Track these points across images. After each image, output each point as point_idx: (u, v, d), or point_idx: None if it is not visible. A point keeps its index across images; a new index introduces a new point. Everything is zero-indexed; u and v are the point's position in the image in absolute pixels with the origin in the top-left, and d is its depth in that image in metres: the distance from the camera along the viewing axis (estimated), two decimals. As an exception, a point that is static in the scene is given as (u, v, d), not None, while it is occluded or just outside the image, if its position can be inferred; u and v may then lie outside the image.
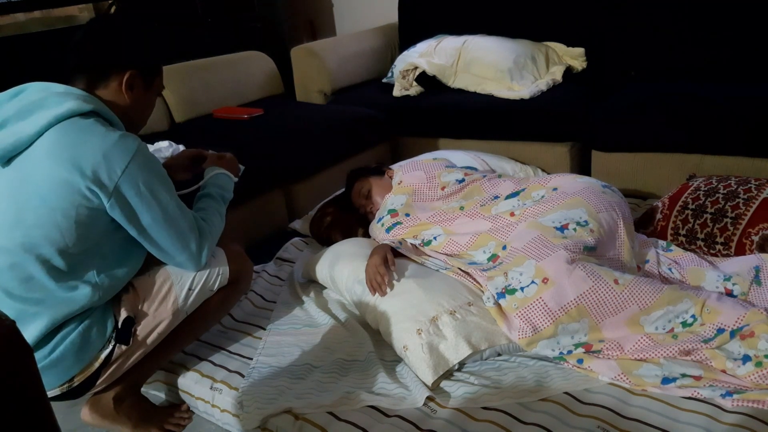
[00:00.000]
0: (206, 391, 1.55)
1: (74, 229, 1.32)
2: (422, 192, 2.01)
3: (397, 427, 1.34)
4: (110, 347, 1.43)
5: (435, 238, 1.85)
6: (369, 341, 1.65)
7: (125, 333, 1.44)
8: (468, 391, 1.42)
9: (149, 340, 1.48)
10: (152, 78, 1.50)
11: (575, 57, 3.04)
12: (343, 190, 2.28)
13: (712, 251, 1.80)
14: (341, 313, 1.80)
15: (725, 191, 1.85)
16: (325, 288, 1.94)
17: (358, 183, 2.16)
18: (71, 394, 1.44)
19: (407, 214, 1.94)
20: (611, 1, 2.94)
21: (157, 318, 1.48)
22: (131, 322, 1.45)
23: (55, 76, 1.44)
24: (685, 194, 1.92)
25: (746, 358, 1.34)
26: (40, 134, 1.31)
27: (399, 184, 2.08)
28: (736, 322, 1.40)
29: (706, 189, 1.90)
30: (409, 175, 2.08)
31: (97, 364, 1.42)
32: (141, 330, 1.47)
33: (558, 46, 3.08)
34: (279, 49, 3.72)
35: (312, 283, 1.99)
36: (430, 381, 1.45)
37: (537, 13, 3.15)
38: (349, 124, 2.79)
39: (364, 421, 1.36)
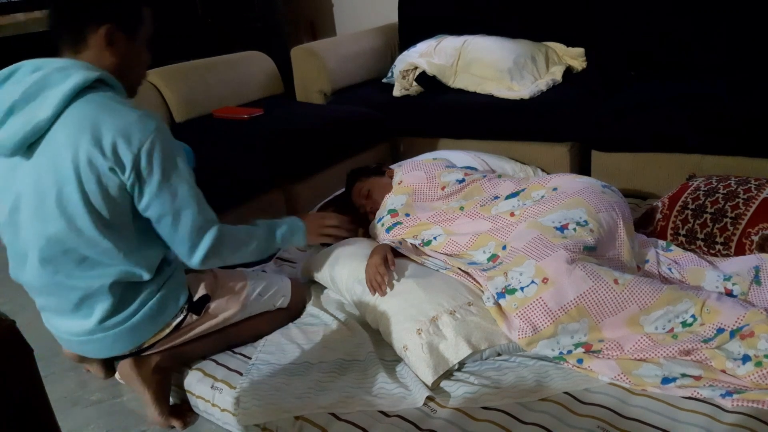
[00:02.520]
0: (207, 390, 1.55)
1: (110, 209, 1.33)
2: (422, 192, 2.01)
3: (397, 427, 1.34)
4: (182, 316, 1.53)
5: (435, 238, 1.85)
6: (369, 341, 1.65)
7: (199, 305, 1.56)
8: (468, 391, 1.42)
9: (215, 321, 1.60)
10: (133, 27, 1.37)
11: (575, 57, 3.04)
12: (343, 190, 2.28)
13: (711, 251, 1.80)
14: (341, 313, 1.80)
15: (725, 191, 1.85)
16: (325, 288, 1.94)
17: (358, 183, 2.16)
18: (136, 353, 1.53)
19: (407, 214, 1.94)
20: (611, 1, 2.94)
21: (228, 304, 1.62)
22: (207, 299, 1.58)
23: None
24: (685, 194, 1.92)
25: (746, 358, 1.34)
26: (56, 116, 1.28)
27: (399, 184, 2.08)
28: (736, 321, 1.40)
29: (706, 189, 1.90)
30: (409, 175, 2.08)
31: (168, 330, 1.51)
32: (213, 309, 1.60)
33: (558, 46, 3.08)
34: (279, 49, 3.72)
35: (312, 283, 1.99)
36: (430, 381, 1.45)
37: (537, 13, 3.14)
38: (349, 124, 2.79)
39: (364, 421, 1.36)
